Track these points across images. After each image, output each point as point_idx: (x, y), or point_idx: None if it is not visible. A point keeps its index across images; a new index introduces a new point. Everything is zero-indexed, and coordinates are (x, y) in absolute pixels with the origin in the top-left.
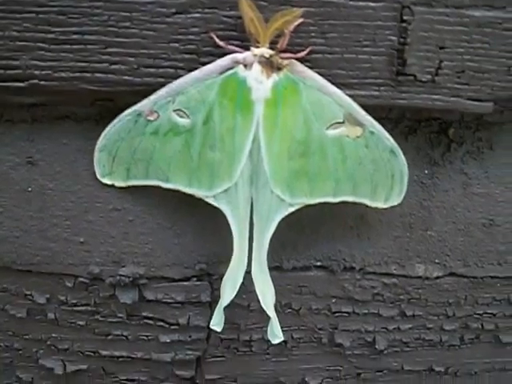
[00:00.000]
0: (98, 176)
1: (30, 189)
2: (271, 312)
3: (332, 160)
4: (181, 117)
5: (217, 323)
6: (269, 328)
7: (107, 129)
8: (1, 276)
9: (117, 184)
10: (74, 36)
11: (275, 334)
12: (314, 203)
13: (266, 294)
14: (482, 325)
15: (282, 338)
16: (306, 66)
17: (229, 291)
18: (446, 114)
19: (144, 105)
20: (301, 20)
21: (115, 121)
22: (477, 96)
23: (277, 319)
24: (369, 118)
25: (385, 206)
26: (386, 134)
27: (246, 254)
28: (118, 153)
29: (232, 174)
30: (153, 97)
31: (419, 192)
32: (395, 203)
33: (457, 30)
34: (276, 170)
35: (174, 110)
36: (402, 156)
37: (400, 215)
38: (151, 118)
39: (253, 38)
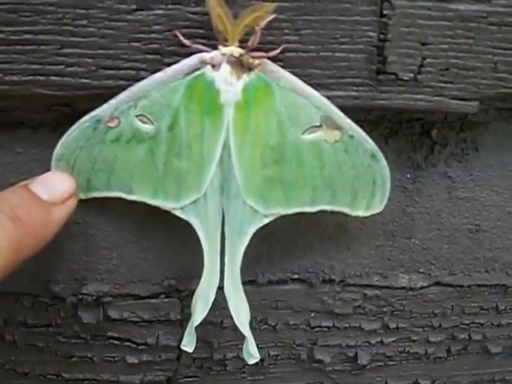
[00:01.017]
0: None
1: None
2: (246, 330)
3: (309, 167)
4: (144, 123)
5: (188, 343)
6: (244, 347)
7: (64, 136)
8: None
9: None
10: (26, 36)
11: (251, 353)
12: (290, 213)
13: (240, 311)
14: (470, 335)
15: (259, 358)
16: (279, 65)
17: (200, 309)
18: (429, 114)
19: (103, 110)
20: (273, 16)
21: (73, 128)
22: (461, 95)
23: (252, 338)
24: (348, 120)
25: (366, 215)
26: (367, 138)
27: (218, 269)
28: (77, 163)
29: (201, 184)
30: (113, 101)
31: (401, 198)
32: (377, 211)
33: (440, 24)
34: (248, 179)
35: (137, 116)
36: (384, 160)
37: (381, 223)
38: (112, 125)
39: (221, 36)
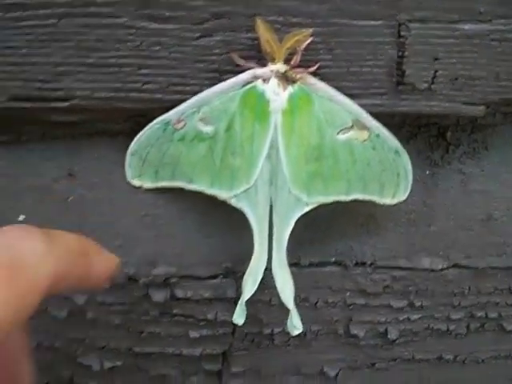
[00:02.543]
0: (128, 178)
1: (70, 199)
2: (291, 305)
3: (343, 162)
4: (205, 125)
5: (238, 317)
6: (288, 321)
7: (138, 136)
8: None
9: (145, 185)
10: (111, 60)
11: (294, 325)
12: (328, 202)
13: (286, 288)
14: (487, 313)
15: (301, 330)
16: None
17: (250, 287)
18: (443, 118)
19: (172, 114)
20: (311, 39)
21: (146, 128)
22: (470, 100)
23: (296, 311)
24: (374, 122)
25: (392, 203)
26: (391, 136)
27: (266, 251)
28: (148, 157)
29: (250, 177)
30: (180, 107)
31: (422, 191)
32: (402, 199)
33: (449, 42)
34: (295, 173)
35: (199, 119)
36: (406, 155)
37: (405, 212)
38: (178, 127)
39: (269, 57)
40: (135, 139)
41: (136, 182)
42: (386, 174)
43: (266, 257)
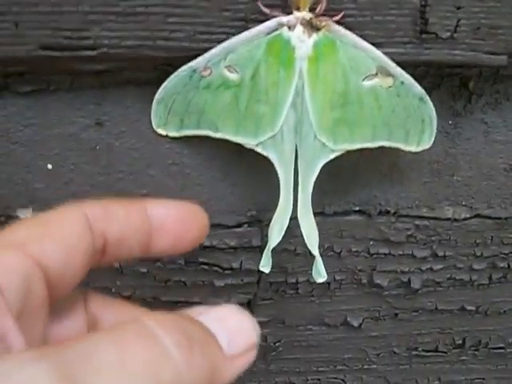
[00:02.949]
0: (154, 126)
1: (97, 147)
2: (315, 251)
3: (369, 109)
4: (231, 73)
5: (265, 264)
6: (313, 268)
7: (165, 83)
8: None
9: (170, 134)
10: (139, 9)
11: (319, 272)
12: (354, 149)
13: (311, 234)
14: (509, 264)
15: (326, 277)
16: None
17: (276, 235)
18: (466, 68)
19: (199, 62)
20: None
21: (172, 76)
22: (492, 50)
23: (320, 259)
24: (398, 69)
25: (417, 150)
26: (415, 84)
27: (292, 199)
28: (174, 105)
29: (275, 124)
30: (207, 55)
31: (444, 141)
32: (426, 147)
33: None
34: (320, 120)
35: (225, 67)
36: (430, 102)
37: (428, 162)
38: (205, 74)
39: (294, 5)
40: (162, 86)
41: (161, 131)
42: (411, 121)
43: (291, 204)
